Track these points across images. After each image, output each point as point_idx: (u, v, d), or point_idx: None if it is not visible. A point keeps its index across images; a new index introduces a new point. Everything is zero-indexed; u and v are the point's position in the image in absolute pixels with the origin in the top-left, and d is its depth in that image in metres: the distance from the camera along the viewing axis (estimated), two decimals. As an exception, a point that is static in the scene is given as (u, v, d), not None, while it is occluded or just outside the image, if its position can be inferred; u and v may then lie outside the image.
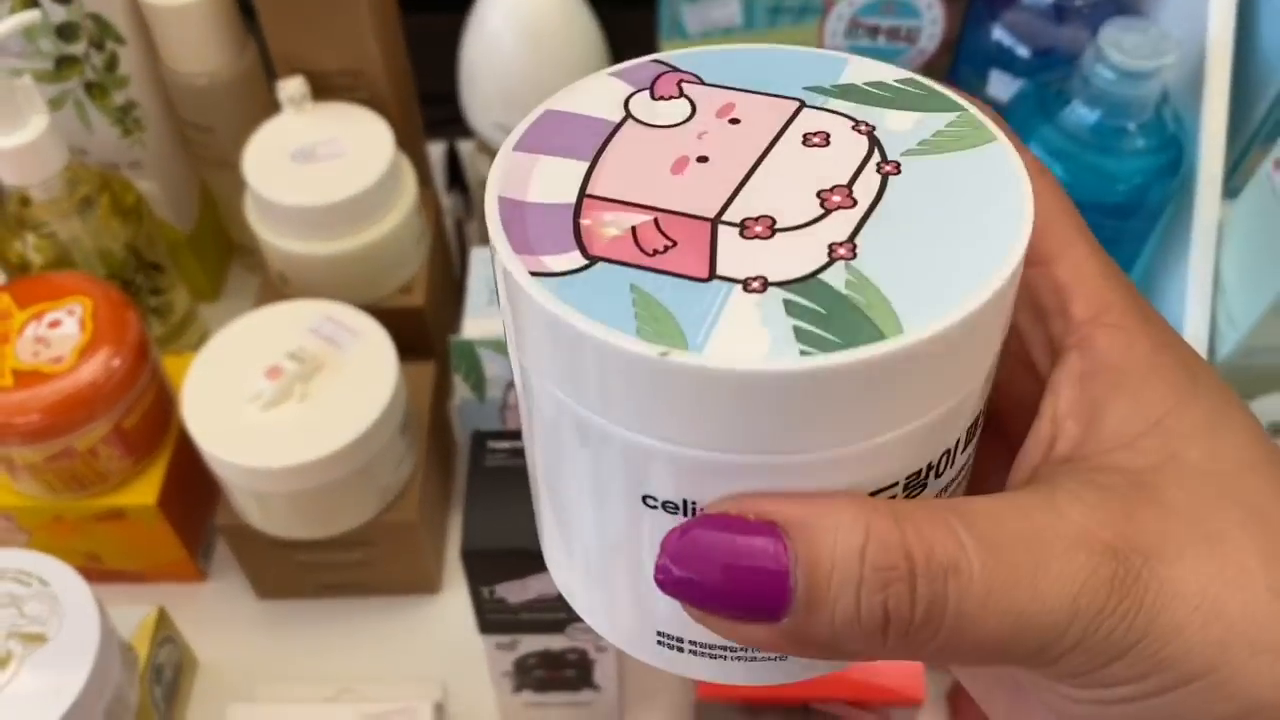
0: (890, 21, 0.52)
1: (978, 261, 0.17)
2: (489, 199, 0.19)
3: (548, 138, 0.20)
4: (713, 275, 0.17)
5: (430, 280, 0.58)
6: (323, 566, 0.53)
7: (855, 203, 0.18)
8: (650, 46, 0.59)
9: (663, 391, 0.16)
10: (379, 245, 0.54)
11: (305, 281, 0.55)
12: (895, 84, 0.20)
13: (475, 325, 0.51)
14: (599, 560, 0.21)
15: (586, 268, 0.17)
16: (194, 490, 0.55)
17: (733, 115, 0.20)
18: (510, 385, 0.50)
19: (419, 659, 0.53)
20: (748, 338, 0.16)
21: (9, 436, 0.47)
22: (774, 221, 0.18)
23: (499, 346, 0.49)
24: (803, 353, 0.16)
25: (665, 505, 0.18)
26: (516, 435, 0.43)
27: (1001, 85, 0.53)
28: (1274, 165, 0.45)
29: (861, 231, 0.17)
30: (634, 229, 0.18)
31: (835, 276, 0.17)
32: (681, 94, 0.20)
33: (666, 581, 0.18)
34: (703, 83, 0.21)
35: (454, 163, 0.75)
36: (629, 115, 0.20)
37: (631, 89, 0.21)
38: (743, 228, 0.18)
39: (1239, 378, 0.48)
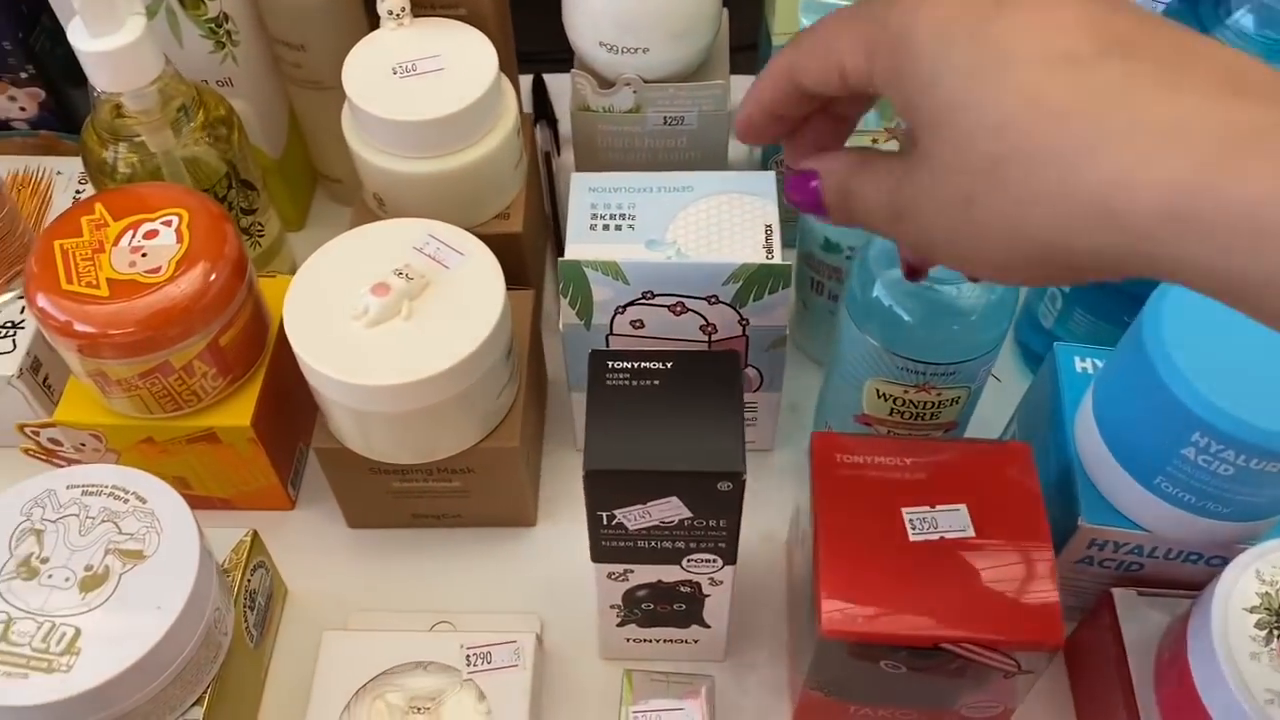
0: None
1: None
2: None
3: None
4: None
5: (527, 207, 0.55)
6: (418, 494, 0.51)
7: None
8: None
9: None
10: (480, 166, 0.52)
11: (402, 204, 0.53)
12: None
13: (576, 251, 0.48)
14: None
15: None
16: (286, 415, 0.53)
17: None
18: (618, 310, 0.48)
19: (512, 592, 0.52)
20: None
21: (104, 349, 0.46)
22: None
23: (607, 269, 0.46)
24: None
25: None
26: (635, 357, 0.40)
27: None
28: None
29: None
30: None
31: None
32: None
33: (789, 193, 0.34)
34: None
35: (541, 94, 0.72)
36: None
37: None
38: None
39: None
